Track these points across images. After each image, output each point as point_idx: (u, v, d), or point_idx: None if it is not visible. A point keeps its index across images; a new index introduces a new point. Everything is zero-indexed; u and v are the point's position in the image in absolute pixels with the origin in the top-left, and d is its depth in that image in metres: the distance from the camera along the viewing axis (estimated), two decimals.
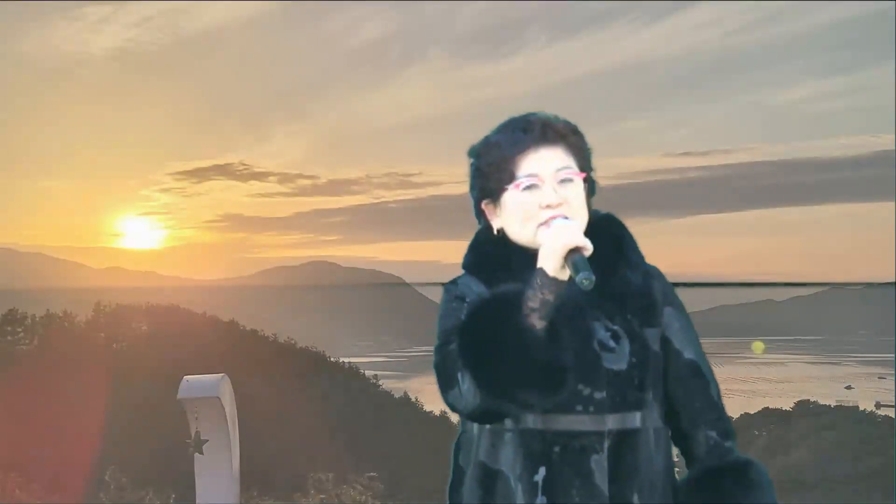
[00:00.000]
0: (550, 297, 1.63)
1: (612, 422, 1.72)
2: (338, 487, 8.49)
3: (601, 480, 1.71)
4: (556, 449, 1.71)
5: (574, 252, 1.63)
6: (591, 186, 1.88)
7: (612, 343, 1.75)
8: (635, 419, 1.74)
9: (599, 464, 1.71)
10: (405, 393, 52.04)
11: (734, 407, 61.49)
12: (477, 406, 1.65)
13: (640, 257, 1.88)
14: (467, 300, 1.76)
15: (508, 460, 1.73)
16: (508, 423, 1.74)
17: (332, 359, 51.88)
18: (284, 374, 40.07)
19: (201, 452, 4.11)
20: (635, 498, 1.73)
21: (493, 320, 1.63)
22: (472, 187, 1.89)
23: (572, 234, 1.65)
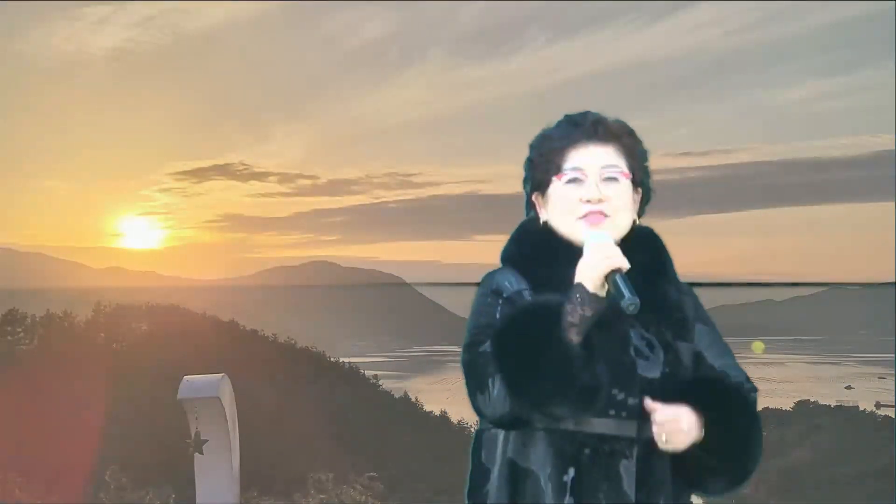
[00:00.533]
0: (589, 314, 1.65)
1: (642, 429, 1.74)
2: (338, 487, 8.50)
3: (629, 486, 1.72)
4: (587, 451, 1.73)
5: (615, 272, 1.67)
6: (645, 193, 1.92)
7: (646, 351, 1.77)
8: None
9: (628, 469, 1.73)
10: (405, 393, 52.03)
11: None
12: (506, 413, 1.67)
13: (675, 273, 1.91)
14: (505, 295, 1.77)
15: (539, 459, 1.74)
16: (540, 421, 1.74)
17: (332, 359, 51.85)
18: (284, 374, 40.10)
19: (201, 452, 4.11)
20: None
21: (532, 331, 1.65)
22: (526, 179, 1.93)
23: (612, 253, 1.68)
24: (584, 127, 1.87)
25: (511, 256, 1.89)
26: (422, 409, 48.38)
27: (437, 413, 47.03)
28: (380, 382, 51.83)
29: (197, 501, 4.19)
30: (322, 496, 8.28)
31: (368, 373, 53.65)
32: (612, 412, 1.72)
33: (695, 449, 1.74)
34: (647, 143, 1.95)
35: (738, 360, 1.90)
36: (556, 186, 1.85)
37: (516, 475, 1.76)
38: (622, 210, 1.83)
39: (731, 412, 1.77)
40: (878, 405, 63.94)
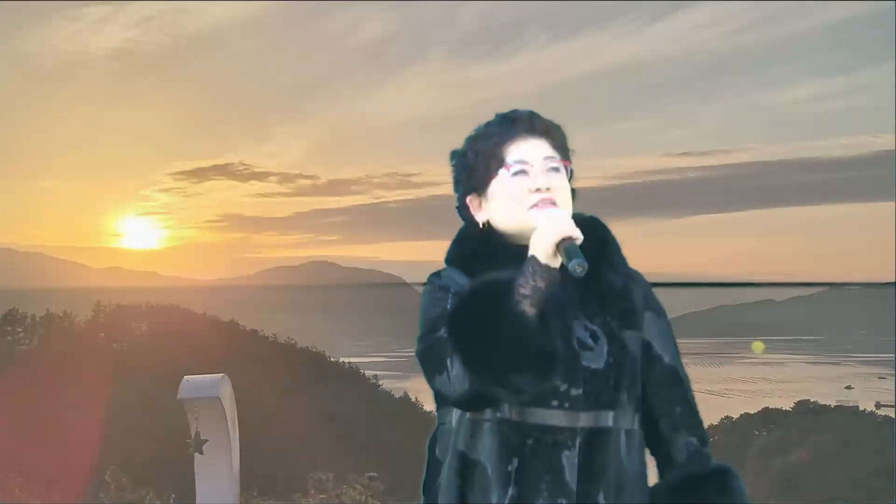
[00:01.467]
0: (542, 285, 1.64)
1: (584, 419, 1.74)
2: (338, 487, 8.50)
3: (571, 477, 1.72)
4: (530, 442, 1.73)
5: (566, 240, 1.65)
6: (571, 191, 1.90)
7: (590, 342, 1.77)
8: (608, 418, 1.76)
9: (570, 460, 1.73)
10: (405, 393, 51.97)
11: (734, 407, 61.50)
12: (465, 391, 1.66)
13: (623, 261, 1.90)
14: (452, 291, 1.77)
15: (486, 451, 1.75)
16: (488, 413, 1.75)
17: (332, 359, 51.83)
18: (284, 374, 40.06)
19: (201, 452, 4.11)
20: (601, 498, 1.74)
21: (485, 306, 1.64)
22: (458, 182, 1.92)
23: (564, 223, 1.67)
24: (520, 122, 1.88)
25: (454, 258, 1.89)
26: (422, 409, 48.30)
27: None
28: (380, 382, 51.80)
29: (197, 501, 4.19)
30: (322, 496, 8.27)
31: (368, 373, 53.62)
32: (555, 403, 1.73)
33: None
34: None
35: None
36: (501, 180, 1.84)
37: (465, 467, 1.76)
38: (567, 199, 1.84)
39: None
40: (878, 405, 63.97)
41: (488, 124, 1.91)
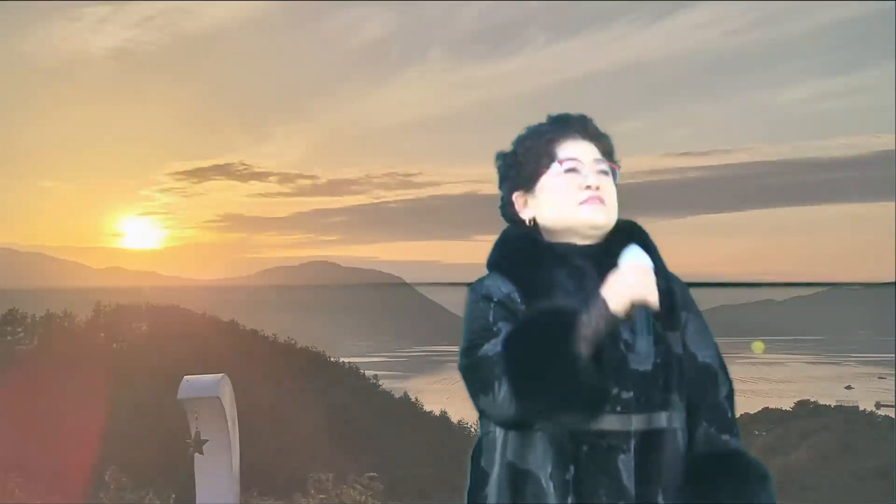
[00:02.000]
0: (603, 330, 1.66)
1: (637, 422, 1.74)
2: (338, 487, 8.48)
3: (628, 480, 1.73)
4: (585, 448, 1.73)
5: (642, 308, 1.68)
6: None
7: (635, 346, 1.77)
8: (661, 419, 1.77)
9: (626, 464, 1.73)
10: (405, 393, 52.01)
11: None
12: (511, 416, 1.67)
13: (662, 263, 1.91)
14: (495, 300, 1.78)
15: (538, 460, 1.74)
16: None
17: (332, 359, 51.83)
18: (284, 374, 40.07)
19: (201, 452, 4.10)
20: (660, 499, 1.74)
21: (543, 337, 1.65)
22: (505, 179, 1.93)
23: (648, 286, 1.69)
24: (573, 122, 1.91)
25: (496, 262, 1.88)
26: (422, 409, 48.36)
27: (437, 413, 47.02)
28: (380, 382, 51.82)
29: (197, 501, 4.19)
30: (322, 496, 8.26)
31: (368, 373, 53.64)
32: (607, 407, 1.72)
33: None
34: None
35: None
36: (552, 176, 1.86)
37: (516, 477, 1.76)
38: (614, 202, 1.87)
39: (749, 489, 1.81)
40: (878, 405, 63.95)
41: (540, 124, 1.93)
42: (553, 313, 1.68)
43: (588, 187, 1.83)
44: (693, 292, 1.95)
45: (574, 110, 1.95)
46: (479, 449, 1.86)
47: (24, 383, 26.74)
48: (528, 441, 1.75)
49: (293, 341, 50.73)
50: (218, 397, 4.11)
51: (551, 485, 1.72)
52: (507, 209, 1.93)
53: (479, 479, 1.83)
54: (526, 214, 1.90)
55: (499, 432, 1.80)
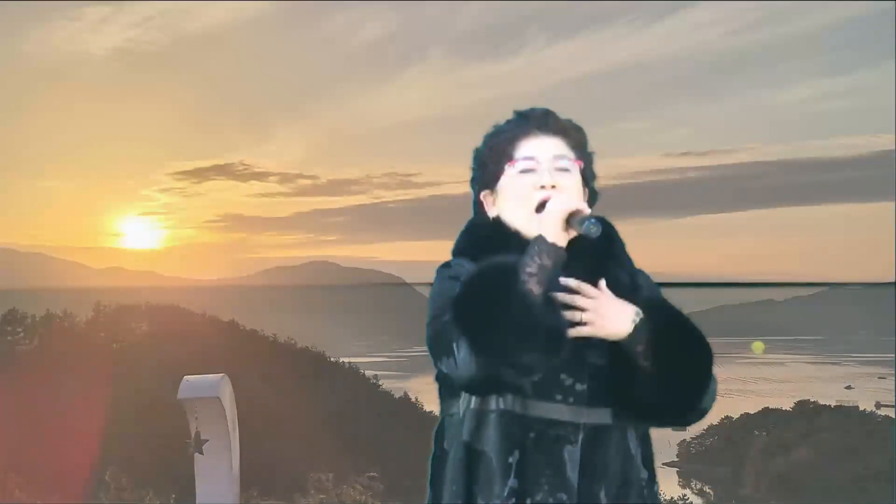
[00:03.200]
0: (548, 263, 1.66)
1: (588, 415, 1.74)
2: (338, 487, 8.50)
3: (572, 472, 1.72)
4: (532, 435, 1.73)
5: (574, 214, 1.68)
6: (591, 194, 1.92)
7: (595, 338, 1.77)
8: (609, 415, 1.76)
9: (572, 456, 1.73)
10: (405, 393, 51.96)
11: (734, 407, 61.49)
12: (474, 373, 1.66)
13: (629, 258, 1.91)
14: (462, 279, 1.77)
15: (491, 441, 1.75)
16: (492, 403, 1.75)
17: (332, 359, 51.76)
18: (284, 374, 40.04)
19: (201, 452, 4.10)
20: (602, 494, 1.74)
21: (491, 286, 1.65)
22: (473, 179, 1.95)
23: (571, 199, 1.71)
24: (533, 118, 1.89)
25: (463, 248, 1.90)
26: (422, 409, 48.31)
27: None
28: (380, 382, 51.76)
29: (197, 501, 4.19)
30: (322, 496, 8.27)
31: (368, 373, 53.56)
32: (559, 397, 1.73)
33: (646, 368, 1.73)
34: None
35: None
36: (509, 176, 1.86)
37: (471, 457, 1.77)
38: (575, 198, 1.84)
39: (679, 329, 1.77)
40: (878, 405, 63.85)
41: (506, 122, 1.93)
42: (494, 263, 1.68)
43: (542, 187, 1.81)
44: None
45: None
46: (441, 431, 1.87)
47: (24, 383, 26.75)
48: (482, 423, 1.76)
49: (293, 341, 50.68)
50: (218, 397, 4.11)
51: (499, 467, 1.74)
52: (478, 208, 1.94)
53: (441, 459, 1.85)
54: (492, 213, 1.90)
55: (461, 413, 1.81)
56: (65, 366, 29.81)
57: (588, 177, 1.91)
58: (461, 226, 1.96)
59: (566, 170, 1.85)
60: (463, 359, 1.66)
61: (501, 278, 1.65)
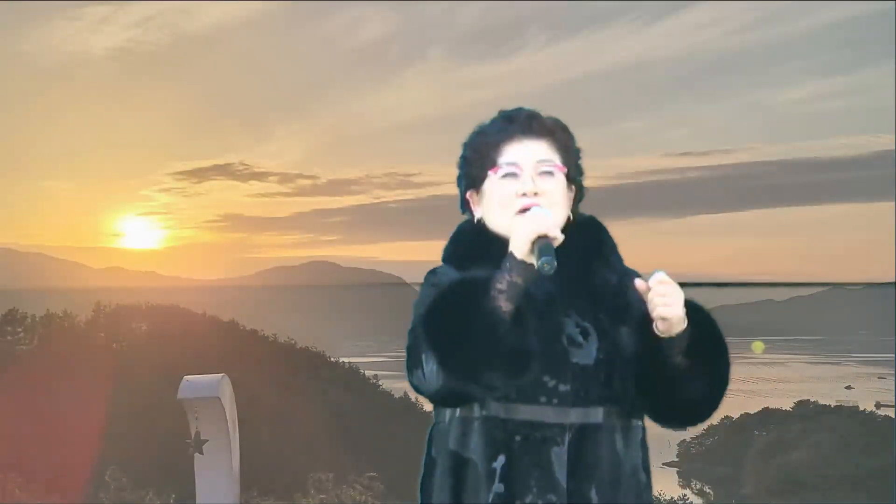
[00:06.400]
0: (518, 281, 1.65)
1: (574, 415, 1.74)
2: (338, 487, 8.48)
3: (560, 473, 1.72)
4: (518, 438, 1.73)
5: (542, 238, 1.65)
6: (578, 191, 1.91)
7: (580, 339, 1.77)
8: (598, 414, 1.76)
9: (559, 456, 1.73)
10: (405, 393, 51.81)
11: (734, 407, 61.48)
12: (440, 387, 1.67)
13: (619, 259, 1.91)
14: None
15: (476, 448, 1.75)
16: (476, 410, 1.76)
17: (332, 359, 51.73)
18: (284, 374, 40.03)
19: (201, 452, 4.11)
20: (593, 494, 1.74)
21: (460, 301, 1.65)
22: (459, 177, 1.94)
23: (543, 221, 1.67)
24: (518, 122, 1.88)
25: (449, 256, 1.91)
26: (422, 409, 48.27)
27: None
28: (380, 382, 51.72)
29: (197, 501, 4.19)
30: (322, 496, 8.26)
31: (368, 373, 53.47)
32: (543, 399, 1.73)
33: (681, 364, 1.74)
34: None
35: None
36: (492, 181, 1.85)
37: (458, 465, 1.77)
38: (557, 205, 1.83)
39: (706, 320, 1.79)
40: (878, 405, 63.82)
41: (490, 122, 1.91)
42: (465, 278, 1.68)
43: (525, 194, 1.81)
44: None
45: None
46: (430, 439, 1.88)
47: (24, 383, 26.72)
48: (467, 430, 1.77)
49: (293, 341, 50.62)
50: (218, 397, 4.12)
51: (486, 473, 1.74)
52: (465, 206, 1.94)
53: (429, 465, 1.85)
54: (477, 213, 1.90)
55: (447, 420, 1.82)
56: (65, 366, 29.79)
57: (574, 175, 1.90)
58: (460, 221, 1.97)
59: (550, 174, 1.84)
60: (430, 372, 1.67)
61: (471, 294, 1.64)
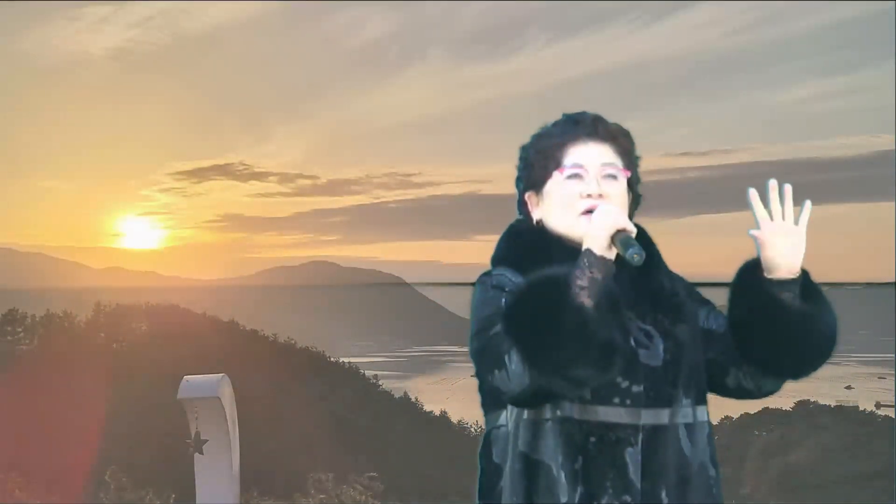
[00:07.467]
0: (599, 276, 1.65)
1: (646, 416, 1.75)
2: (338, 487, 8.50)
3: (634, 473, 1.73)
4: (593, 440, 1.73)
5: (621, 232, 1.67)
6: (635, 198, 1.94)
7: (645, 340, 1.78)
8: (666, 415, 1.77)
9: (633, 457, 1.73)
10: (405, 393, 51.96)
11: (734, 407, 61.47)
12: (527, 386, 1.65)
13: (664, 264, 1.93)
14: (507, 289, 1.76)
15: (549, 450, 1.74)
16: (548, 412, 1.74)
17: (332, 359, 51.77)
18: (284, 374, 40.02)
19: (201, 452, 4.11)
20: (664, 495, 1.74)
21: (543, 299, 1.63)
22: (519, 179, 1.94)
23: (618, 216, 1.69)
24: (584, 124, 1.89)
25: (505, 257, 1.88)
26: (422, 409, 48.34)
27: (437, 413, 47.01)
28: (380, 382, 51.77)
29: (197, 501, 4.19)
30: (322, 496, 8.27)
31: (368, 373, 53.57)
32: (616, 400, 1.73)
33: (798, 310, 1.82)
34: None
35: None
36: (556, 182, 1.86)
37: (529, 468, 1.75)
38: (621, 207, 1.84)
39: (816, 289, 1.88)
40: (878, 405, 63.94)
41: (554, 124, 1.92)
42: (545, 276, 1.67)
43: (590, 195, 1.82)
44: None
45: (574, 110, 1.93)
46: (488, 444, 1.84)
47: (24, 383, 26.73)
48: (539, 432, 1.75)
49: (293, 341, 50.67)
50: (218, 397, 4.12)
51: (563, 475, 1.72)
52: (522, 207, 1.94)
53: (493, 472, 1.82)
54: (535, 215, 1.90)
55: (511, 425, 1.79)
56: (65, 366, 29.79)
57: (633, 182, 1.92)
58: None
59: (613, 177, 1.85)
60: (514, 372, 1.64)
61: (554, 290, 1.63)
